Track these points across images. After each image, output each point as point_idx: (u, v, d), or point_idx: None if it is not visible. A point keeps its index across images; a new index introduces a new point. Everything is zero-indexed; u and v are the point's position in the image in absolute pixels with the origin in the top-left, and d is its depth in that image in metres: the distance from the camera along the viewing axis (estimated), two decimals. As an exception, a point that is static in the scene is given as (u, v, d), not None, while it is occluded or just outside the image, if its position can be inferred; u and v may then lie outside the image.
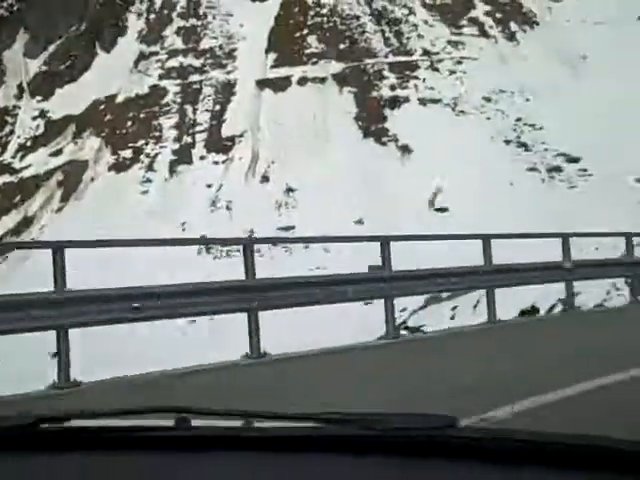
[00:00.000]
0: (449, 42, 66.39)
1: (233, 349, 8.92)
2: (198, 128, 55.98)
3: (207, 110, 57.46)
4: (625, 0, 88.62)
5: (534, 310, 28.87)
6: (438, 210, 43.41)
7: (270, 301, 8.80)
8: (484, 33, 70.65)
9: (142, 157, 54.13)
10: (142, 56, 62.55)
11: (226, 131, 55.03)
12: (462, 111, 55.11)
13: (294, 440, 1.21)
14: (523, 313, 25.04)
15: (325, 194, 44.84)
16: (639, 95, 56.99)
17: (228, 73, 60.10)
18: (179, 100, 58.49)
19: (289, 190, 48.25)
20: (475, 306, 25.17)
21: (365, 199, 44.88)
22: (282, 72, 58.92)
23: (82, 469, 1.17)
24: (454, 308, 28.72)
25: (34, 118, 59.50)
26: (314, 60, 60.22)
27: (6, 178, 54.07)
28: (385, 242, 10.77)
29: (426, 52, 61.17)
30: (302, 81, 58.22)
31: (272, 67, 59.78)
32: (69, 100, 59.26)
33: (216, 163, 52.58)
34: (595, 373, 6.47)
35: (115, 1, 65.99)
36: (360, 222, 42.15)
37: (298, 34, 62.82)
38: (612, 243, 23.26)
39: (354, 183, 45.98)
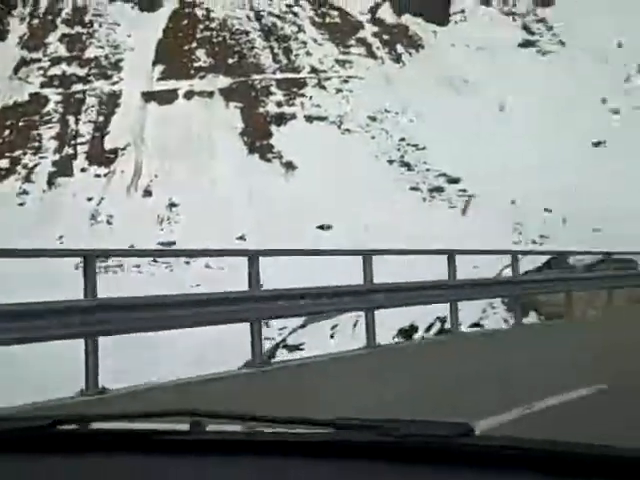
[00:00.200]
0: (337, 61, 67.11)
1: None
2: (80, 139, 54.53)
3: (90, 121, 56.07)
4: (506, 27, 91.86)
5: (413, 329, 29.19)
6: (321, 228, 43.57)
7: (110, 325, 7.60)
8: (371, 54, 71.77)
9: (19, 168, 52.32)
10: (23, 62, 60.58)
11: (109, 143, 53.82)
12: (347, 129, 55.67)
13: (309, 445, 1.22)
14: (402, 332, 25.25)
15: (208, 209, 44.36)
16: (517, 119, 58.98)
17: (113, 84, 58.87)
18: (61, 110, 56.87)
19: (172, 205, 47.54)
20: (355, 325, 25.25)
21: (249, 215, 44.64)
22: (169, 85, 58.15)
23: (97, 471, 1.17)
24: (334, 327, 28.72)
25: None
26: (202, 74, 59.71)
27: None
28: (255, 257, 9.73)
29: (314, 70, 61.59)
30: (189, 95, 57.60)
31: (159, 79, 58.93)
32: (-57, 106, 56.84)
33: (98, 176, 51.32)
34: (484, 402, 6.06)
35: (-5, 5, 63.78)
36: (242, 238, 41.85)
37: (186, 47, 62.19)
38: (488, 262, 23.74)
39: (238, 199, 45.69)
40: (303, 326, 29.71)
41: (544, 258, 23.52)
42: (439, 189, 48.62)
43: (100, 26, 63.40)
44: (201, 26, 63.88)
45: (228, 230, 40.82)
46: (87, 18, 64.14)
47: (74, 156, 52.90)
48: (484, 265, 23.70)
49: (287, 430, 1.29)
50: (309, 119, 55.45)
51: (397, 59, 67.07)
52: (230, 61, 60.65)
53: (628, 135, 67.75)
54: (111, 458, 1.21)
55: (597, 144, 74.90)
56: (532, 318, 22.38)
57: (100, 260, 39.08)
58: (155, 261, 37.88)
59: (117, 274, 35.34)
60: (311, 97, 57.95)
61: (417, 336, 29.46)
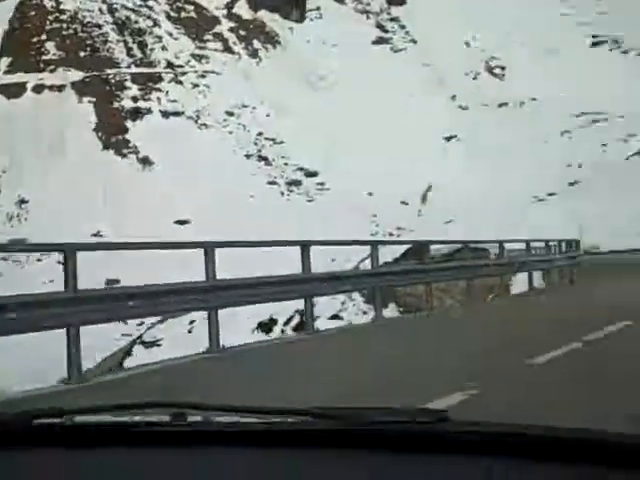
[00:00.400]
0: (193, 56, 66.38)
1: None
2: None
3: None
4: (361, 25, 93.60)
5: (272, 322, 29.21)
6: (179, 222, 43.02)
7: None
8: (228, 49, 71.43)
9: None
10: None
11: (-48, 139, 51.24)
12: (205, 124, 55.17)
13: (287, 434, 1.22)
14: (261, 325, 25.23)
15: (60, 206, 42.94)
16: (372, 114, 60.16)
17: (-44, 76, 56.07)
18: None
19: (21, 202, 45.74)
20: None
21: (104, 211, 43.56)
22: (16, 78, 55.86)
23: (78, 465, 1.16)
24: (192, 322, 28.50)
25: None
26: (52, 67, 57.70)
27: None
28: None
29: (170, 64, 60.66)
30: (38, 88, 55.53)
31: (5, 72, 56.53)
32: None
33: (-59, 172, 48.77)
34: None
35: None
36: (98, 234, 40.80)
37: (35, 39, 59.92)
38: (346, 254, 24.03)
39: (92, 195, 44.45)
40: (161, 321, 29.33)
41: (402, 250, 23.98)
42: (297, 182, 48.96)
43: (-59, 16, 60.31)
44: (51, 18, 61.73)
45: (82, 226, 39.66)
46: None
47: None
48: (342, 257, 24.03)
49: (267, 420, 1.29)
50: (165, 114, 54.64)
51: (254, 54, 67.05)
52: (82, 54, 58.90)
53: (477, 130, 70.45)
54: (92, 451, 1.19)
55: (449, 138, 77.69)
56: (392, 310, 22.68)
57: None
58: (4, 259, 36.45)
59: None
60: (167, 92, 57.13)
61: (276, 329, 29.54)
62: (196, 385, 6.58)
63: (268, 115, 55.84)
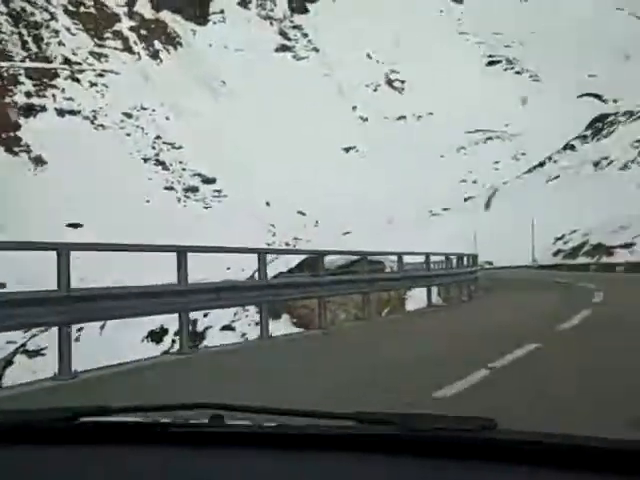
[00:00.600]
0: (92, 53, 64.73)
1: None
2: None
3: None
4: (264, 31, 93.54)
5: (163, 331, 28.67)
6: (72, 225, 41.84)
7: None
8: (128, 48, 70.04)
9: None
10: None
11: None
12: (102, 125, 53.87)
13: (331, 439, 1.21)
14: (152, 334, 24.71)
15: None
16: (272, 122, 60.06)
17: None
18: None
19: None
20: (102, 327, 24.44)
21: (-8, 211, 41.96)
22: None
23: (118, 462, 1.18)
24: (80, 329, 27.75)
25: None
26: (-60, 57, 55.30)
27: None
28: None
29: (67, 61, 59.00)
30: None
31: None
32: None
33: None
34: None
35: None
36: (-15, 236, 39.23)
37: None
38: (242, 265, 23.75)
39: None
40: (46, 329, 28.41)
41: (298, 260, 23.72)
42: (194, 189, 48.39)
43: None
44: (-59, 5, 59.24)
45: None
46: None
47: None
48: (238, 266, 23.72)
49: (309, 423, 1.27)
50: (61, 112, 53.14)
51: (155, 55, 65.96)
52: (-27, 46, 56.74)
53: (376, 142, 71.33)
54: (132, 450, 1.22)
55: (347, 149, 78.36)
56: (285, 322, 22.35)
57: None
58: None
59: None
60: (63, 89, 55.57)
61: (167, 339, 28.96)
62: None
63: (168, 118, 55.05)
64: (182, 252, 9.07)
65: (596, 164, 52.88)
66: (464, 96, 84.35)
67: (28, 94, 54.28)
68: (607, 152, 53.14)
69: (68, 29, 62.90)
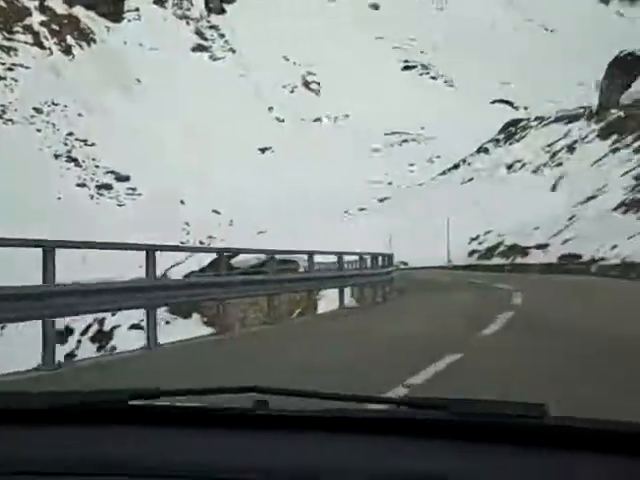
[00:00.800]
0: (0, 47, 62.84)
1: None
2: None
3: None
4: (180, 31, 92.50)
5: (68, 331, 27.64)
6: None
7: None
8: (39, 43, 68.21)
9: None
10: None
11: None
12: (11, 120, 52.21)
13: (380, 422, 1.22)
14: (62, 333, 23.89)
15: None
16: (187, 121, 59.32)
17: None
18: None
19: None
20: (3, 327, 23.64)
21: None
22: None
23: (169, 444, 1.21)
24: (2, 327, 26.89)
25: None
26: None
27: None
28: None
29: (-26, 54, 57.15)
30: None
31: None
32: None
33: None
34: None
35: None
36: None
37: None
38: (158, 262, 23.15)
39: None
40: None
41: (210, 258, 22.95)
42: (107, 186, 47.38)
43: None
44: None
45: None
46: None
47: None
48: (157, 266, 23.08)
49: (352, 406, 1.27)
50: (-34, 107, 51.45)
51: (67, 51, 64.46)
52: None
53: (292, 143, 71.29)
54: (182, 432, 1.25)
55: (263, 150, 78.03)
56: (195, 322, 21.55)
57: None
58: None
59: None
60: (-30, 83, 53.83)
61: (71, 339, 27.85)
62: None
63: (80, 115, 53.84)
64: (49, 250, 7.35)
65: (509, 167, 53.99)
66: (380, 99, 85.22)
67: None
68: (520, 156, 54.36)
69: (-24, 22, 61.07)
